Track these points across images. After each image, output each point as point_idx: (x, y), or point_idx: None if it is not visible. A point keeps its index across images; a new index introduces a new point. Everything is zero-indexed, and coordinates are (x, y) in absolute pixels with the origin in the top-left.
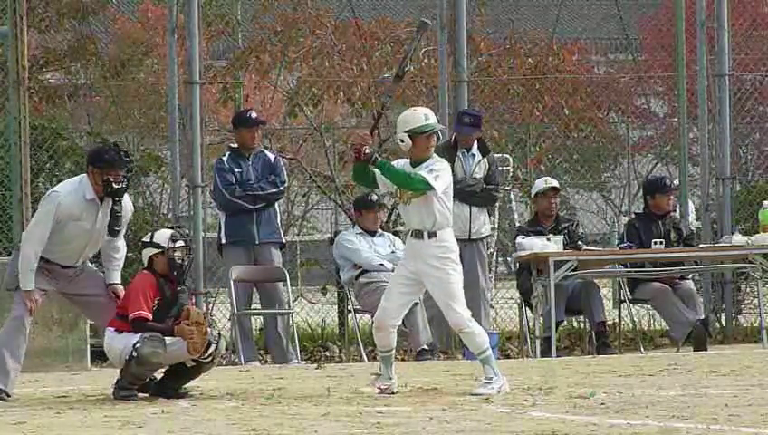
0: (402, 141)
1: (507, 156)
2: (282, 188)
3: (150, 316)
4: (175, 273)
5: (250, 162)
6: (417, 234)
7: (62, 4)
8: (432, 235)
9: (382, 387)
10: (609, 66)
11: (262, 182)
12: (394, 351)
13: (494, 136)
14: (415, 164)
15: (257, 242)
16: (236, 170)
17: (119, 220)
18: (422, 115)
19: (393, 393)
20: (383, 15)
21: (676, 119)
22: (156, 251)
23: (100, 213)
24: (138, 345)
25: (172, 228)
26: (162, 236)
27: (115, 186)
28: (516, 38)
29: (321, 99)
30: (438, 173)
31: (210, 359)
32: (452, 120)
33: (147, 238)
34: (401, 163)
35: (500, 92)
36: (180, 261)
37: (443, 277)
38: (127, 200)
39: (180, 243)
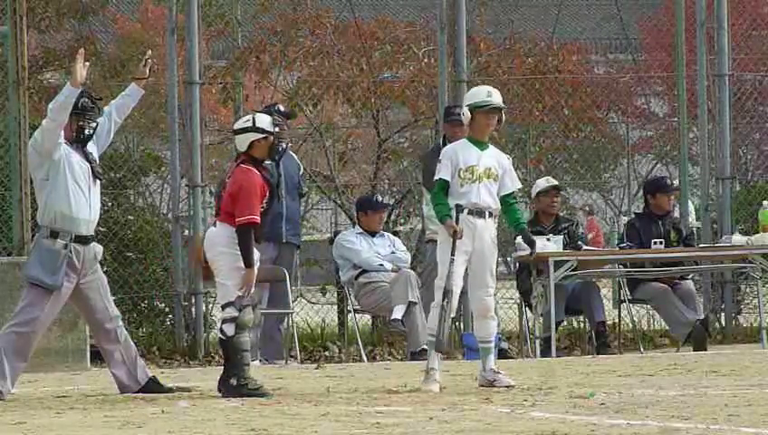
0: (463, 115)
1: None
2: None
3: (259, 221)
4: (276, 157)
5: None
6: (480, 213)
7: (62, 4)
8: (492, 215)
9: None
10: (608, 66)
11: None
12: None
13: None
14: (473, 142)
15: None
16: None
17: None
18: (485, 91)
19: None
20: (383, 15)
21: (676, 119)
22: (259, 136)
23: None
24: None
25: (267, 112)
26: (265, 121)
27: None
28: (516, 38)
29: (320, 99)
30: (513, 173)
31: None
32: None
33: (247, 123)
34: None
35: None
36: (278, 145)
37: (492, 261)
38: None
39: (277, 128)
